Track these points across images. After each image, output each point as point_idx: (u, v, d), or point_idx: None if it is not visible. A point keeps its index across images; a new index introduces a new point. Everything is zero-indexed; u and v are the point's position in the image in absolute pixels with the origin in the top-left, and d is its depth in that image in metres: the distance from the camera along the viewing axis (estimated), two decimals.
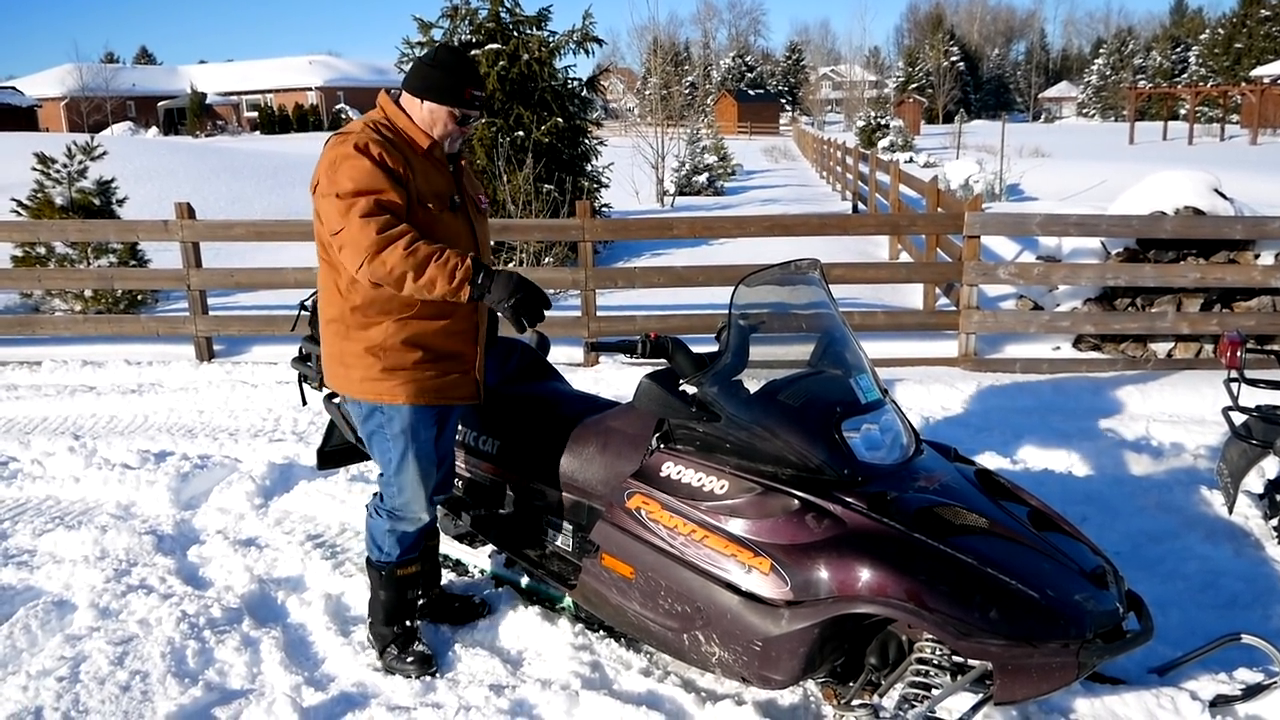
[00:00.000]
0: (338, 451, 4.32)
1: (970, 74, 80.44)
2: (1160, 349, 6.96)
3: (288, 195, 17.07)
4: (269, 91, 63.77)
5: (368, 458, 4.18)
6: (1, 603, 3.74)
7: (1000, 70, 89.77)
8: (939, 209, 8.56)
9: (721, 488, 2.85)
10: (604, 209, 13.25)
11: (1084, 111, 74.90)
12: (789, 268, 3.16)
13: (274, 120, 57.87)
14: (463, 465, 3.74)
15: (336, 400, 4.18)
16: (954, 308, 7.41)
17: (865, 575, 2.51)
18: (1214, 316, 6.73)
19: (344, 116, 59.49)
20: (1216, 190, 6.92)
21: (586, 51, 12.23)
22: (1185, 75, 59.41)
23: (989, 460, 5.08)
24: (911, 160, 30.32)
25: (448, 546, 4.02)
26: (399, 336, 2.98)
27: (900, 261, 9.01)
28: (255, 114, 60.95)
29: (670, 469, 2.97)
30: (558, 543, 3.47)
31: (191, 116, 55.62)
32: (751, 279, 3.01)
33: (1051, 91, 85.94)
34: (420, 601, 3.47)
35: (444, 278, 2.77)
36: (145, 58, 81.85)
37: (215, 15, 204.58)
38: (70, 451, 5.24)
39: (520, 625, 3.49)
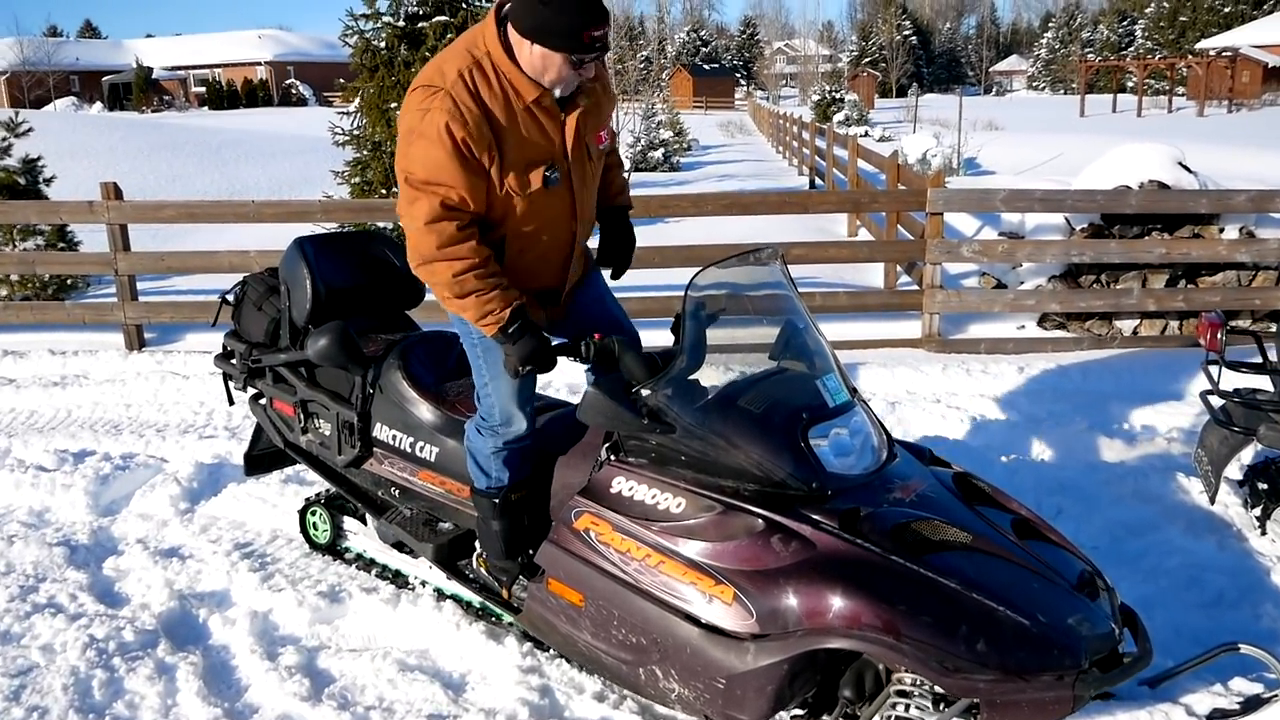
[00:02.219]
0: (265, 455, 4.02)
1: (923, 48, 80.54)
2: (1125, 326, 6.81)
3: (230, 173, 16.49)
4: (217, 66, 62.00)
5: (295, 462, 3.88)
6: None
7: (952, 44, 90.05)
8: (899, 185, 8.35)
9: (678, 506, 2.59)
10: None
11: (1034, 85, 75.38)
12: (748, 258, 2.89)
13: (222, 96, 56.28)
14: (398, 472, 3.44)
15: (262, 401, 3.86)
16: (916, 287, 7.21)
17: (838, 604, 2.27)
18: (1180, 293, 6.60)
19: (294, 92, 58.13)
20: (1180, 164, 6.77)
21: None
22: (1132, 48, 59.84)
23: (957, 449, 4.88)
24: (867, 134, 30.17)
25: (386, 556, 3.73)
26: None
27: (862, 240, 8.80)
28: (203, 89, 59.22)
29: (621, 485, 2.70)
30: None
31: (137, 92, 53.91)
32: (707, 271, 2.74)
33: (1002, 65, 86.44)
34: None
35: (475, 312, 2.60)
36: (90, 31, 79.11)
37: None
38: None
39: (463, 646, 3.22)
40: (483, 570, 3.15)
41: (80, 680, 3.05)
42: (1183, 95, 42.72)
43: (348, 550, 3.92)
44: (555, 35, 2.45)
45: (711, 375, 2.81)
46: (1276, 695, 2.72)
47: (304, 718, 2.92)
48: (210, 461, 4.80)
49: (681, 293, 2.74)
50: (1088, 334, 6.77)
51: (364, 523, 3.76)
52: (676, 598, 2.48)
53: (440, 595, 3.53)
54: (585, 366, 2.97)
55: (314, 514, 3.98)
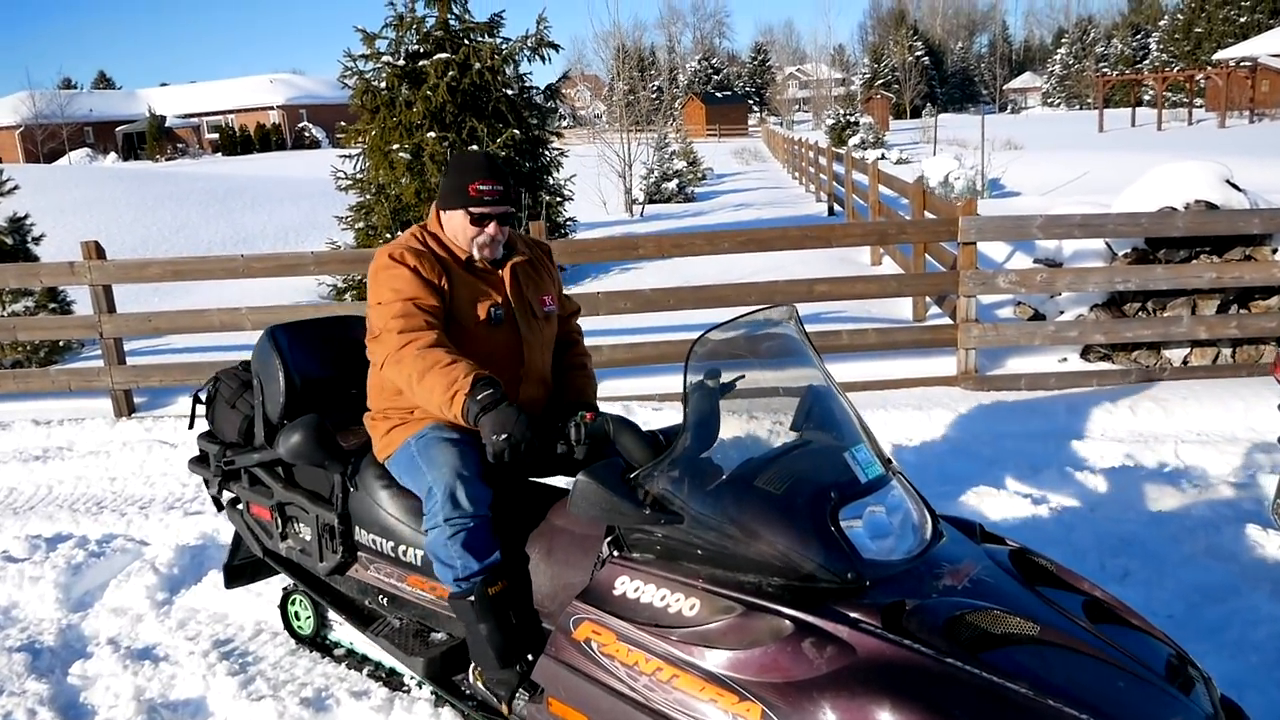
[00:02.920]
0: (246, 565, 3.67)
1: (935, 68, 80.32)
2: (1175, 356, 6.36)
3: (236, 221, 16.32)
4: (230, 112, 62.60)
5: (276, 572, 3.53)
6: None
7: (964, 63, 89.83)
8: (926, 212, 7.95)
9: (691, 609, 2.19)
10: (568, 223, 12.57)
11: (1049, 101, 75.03)
12: (758, 318, 2.51)
13: (235, 141, 56.75)
14: (385, 577, 3.06)
15: (240, 507, 3.52)
16: (947, 320, 6.81)
17: (883, 718, 1.86)
18: (1233, 319, 6.15)
19: (307, 135, 58.54)
20: (1229, 181, 6.34)
21: (543, 58, 11.57)
22: (1146, 61, 59.43)
23: (1004, 500, 4.46)
24: (884, 157, 29.81)
25: (377, 651, 3.34)
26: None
27: (890, 274, 8.39)
28: (216, 135, 59.80)
29: (625, 586, 2.30)
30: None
31: (150, 140, 54.46)
32: (710, 334, 2.36)
33: (1016, 82, 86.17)
34: None
35: (441, 388, 2.56)
36: (104, 82, 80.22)
37: (176, 37, 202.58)
38: None
39: None
40: (479, 684, 2.76)
41: None
42: (1201, 107, 42.17)
43: (334, 644, 3.54)
44: (450, 196, 2.82)
45: (723, 453, 2.42)
46: None
47: None
48: (194, 543, 4.43)
49: (701, 330, 2.39)
50: (1135, 365, 6.32)
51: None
52: (694, 718, 2.07)
53: (438, 700, 3.14)
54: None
55: (294, 602, 3.61)
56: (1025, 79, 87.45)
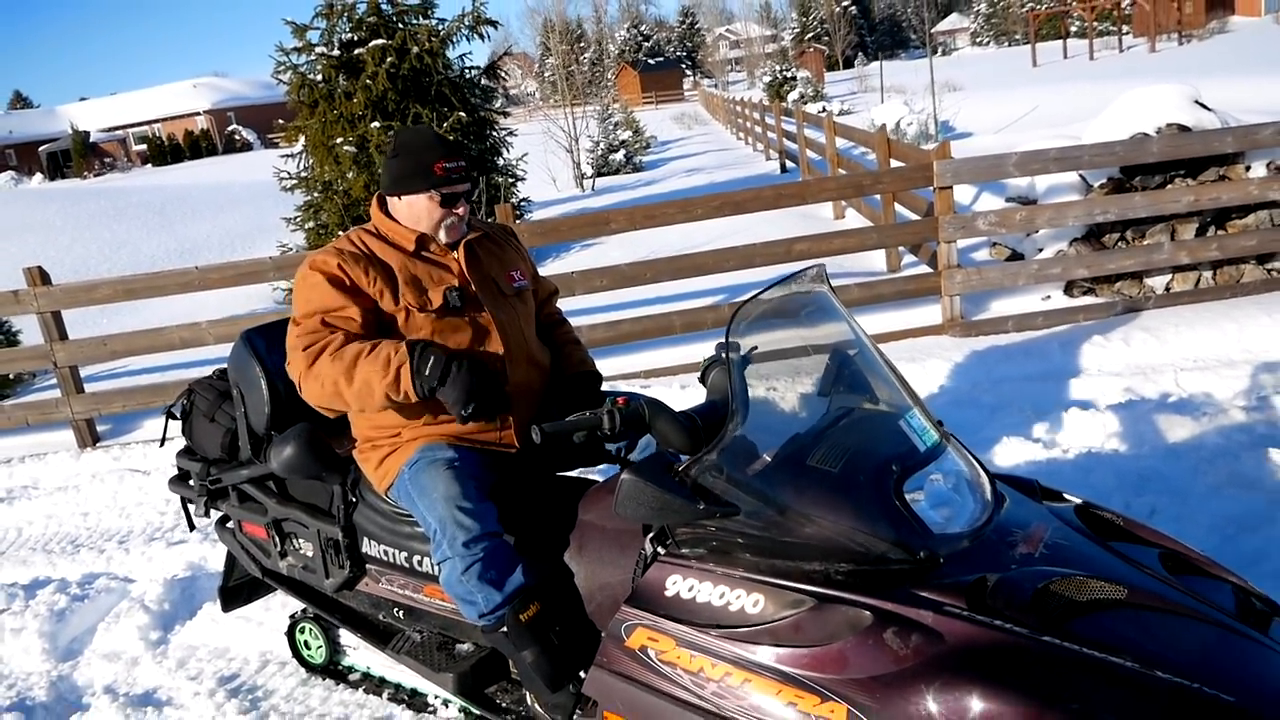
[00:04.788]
0: (242, 585, 3.45)
1: (863, 17, 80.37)
2: (1158, 283, 6.32)
3: (179, 232, 15.78)
4: (156, 121, 60.83)
5: (273, 590, 3.32)
6: None
7: (892, 9, 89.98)
8: (893, 160, 7.82)
9: (755, 605, 2.03)
10: (523, 203, 12.31)
11: (978, 40, 75.35)
12: (789, 284, 2.34)
13: (165, 151, 55.21)
14: (399, 589, 2.86)
15: (230, 525, 3.29)
16: (927, 269, 6.70)
17: (984, 709, 1.72)
18: (1213, 241, 6.10)
19: (238, 138, 57.14)
20: (1198, 102, 6.27)
21: (481, 36, 11.25)
22: None
23: (1016, 447, 4.36)
24: (825, 110, 29.76)
25: (397, 672, 3.17)
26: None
27: (869, 226, 8.25)
28: (144, 146, 58.09)
29: (679, 586, 2.13)
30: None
31: (76, 158, 52.74)
32: (744, 312, 2.19)
33: (943, 24, 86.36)
34: None
35: (377, 376, 2.40)
36: (20, 102, 77.71)
37: (91, 50, 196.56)
38: None
39: None
40: (536, 708, 2.58)
41: None
42: (1129, 34, 42.55)
43: (350, 669, 3.35)
44: (409, 179, 2.59)
45: (764, 432, 2.26)
46: None
47: None
48: (182, 575, 4.19)
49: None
50: (1120, 296, 6.27)
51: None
52: None
53: (469, 715, 2.96)
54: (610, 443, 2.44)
55: (304, 631, 3.40)
56: (952, 20, 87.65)
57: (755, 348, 2.32)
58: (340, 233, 9.82)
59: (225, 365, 3.20)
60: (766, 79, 37.76)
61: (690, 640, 2.07)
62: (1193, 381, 4.98)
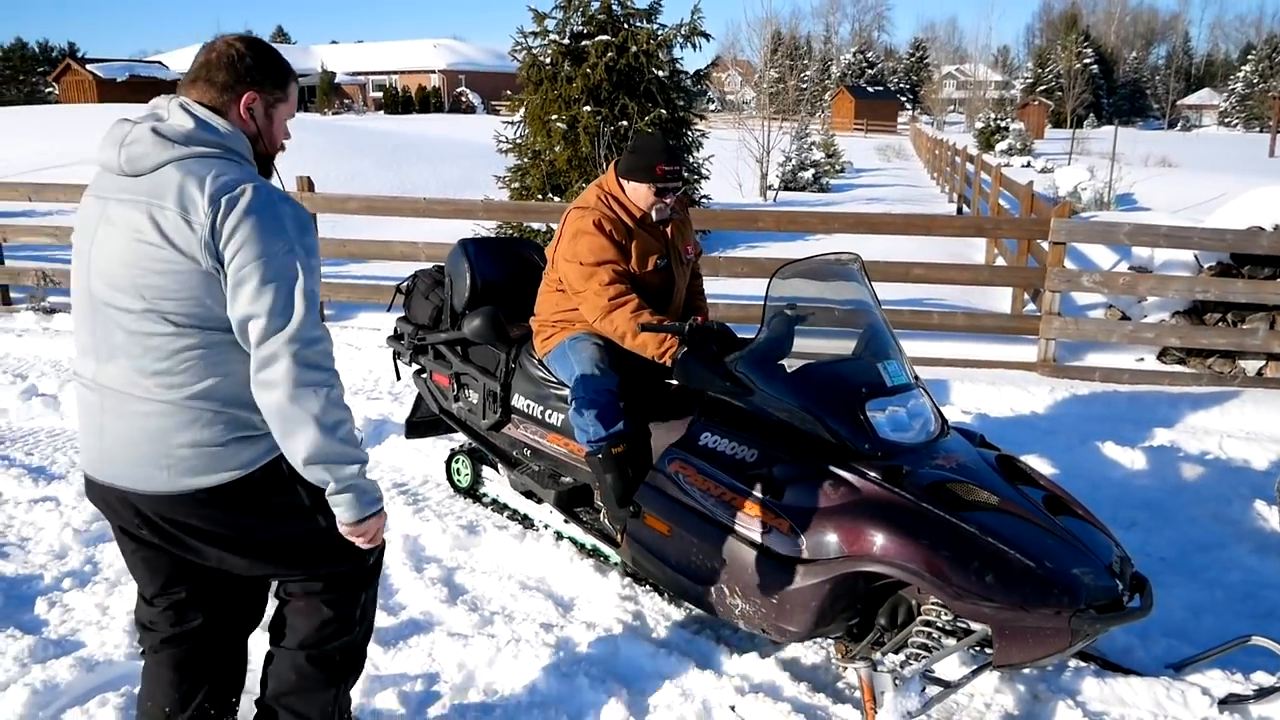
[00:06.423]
0: (424, 422, 4.72)
1: (1104, 77, 77.21)
2: (1250, 366, 6.84)
3: (403, 173, 17.84)
4: (394, 73, 65.65)
5: (452, 430, 4.58)
6: None
7: (1137, 74, 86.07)
8: (1032, 214, 8.53)
9: (751, 456, 3.11)
10: (703, 200, 13.50)
11: (1226, 121, 71.42)
12: (828, 260, 3.38)
13: (397, 101, 59.66)
14: (530, 435, 4.07)
15: (424, 375, 4.58)
16: (1033, 312, 7.43)
17: (873, 538, 2.74)
18: None
19: (464, 100, 61.02)
20: None
21: (694, 45, 12.48)
22: None
23: (1045, 460, 5.16)
24: (1029, 165, 29.59)
25: (516, 502, 4.37)
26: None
27: (982, 265, 9.01)
28: (380, 94, 62.91)
29: (707, 439, 3.24)
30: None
31: (321, 95, 57.79)
32: (787, 269, 3.25)
33: (1192, 99, 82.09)
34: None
35: (653, 344, 3.46)
36: (281, 37, 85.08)
37: None
38: None
39: (574, 575, 3.81)
40: (603, 519, 3.75)
41: None
42: None
43: (484, 495, 4.59)
44: (637, 171, 3.61)
45: (791, 360, 3.32)
46: None
47: (441, 616, 3.57)
48: (375, 418, 5.59)
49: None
50: (1208, 370, 6.84)
51: (499, 472, 4.41)
52: (744, 529, 3.00)
53: (559, 536, 4.14)
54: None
55: (458, 461, 4.67)
56: (1203, 95, 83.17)
57: (804, 303, 3.39)
58: (539, 196, 11.26)
59: (440, 260, 4.50)
60: (979, 125, 37.64)
61: (706, 471, 3.18)
62: (1235, 447, 5.59)
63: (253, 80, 2.17)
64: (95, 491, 2.23)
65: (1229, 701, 3.02)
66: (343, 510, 2.12)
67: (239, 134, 2.14)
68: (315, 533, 2.27)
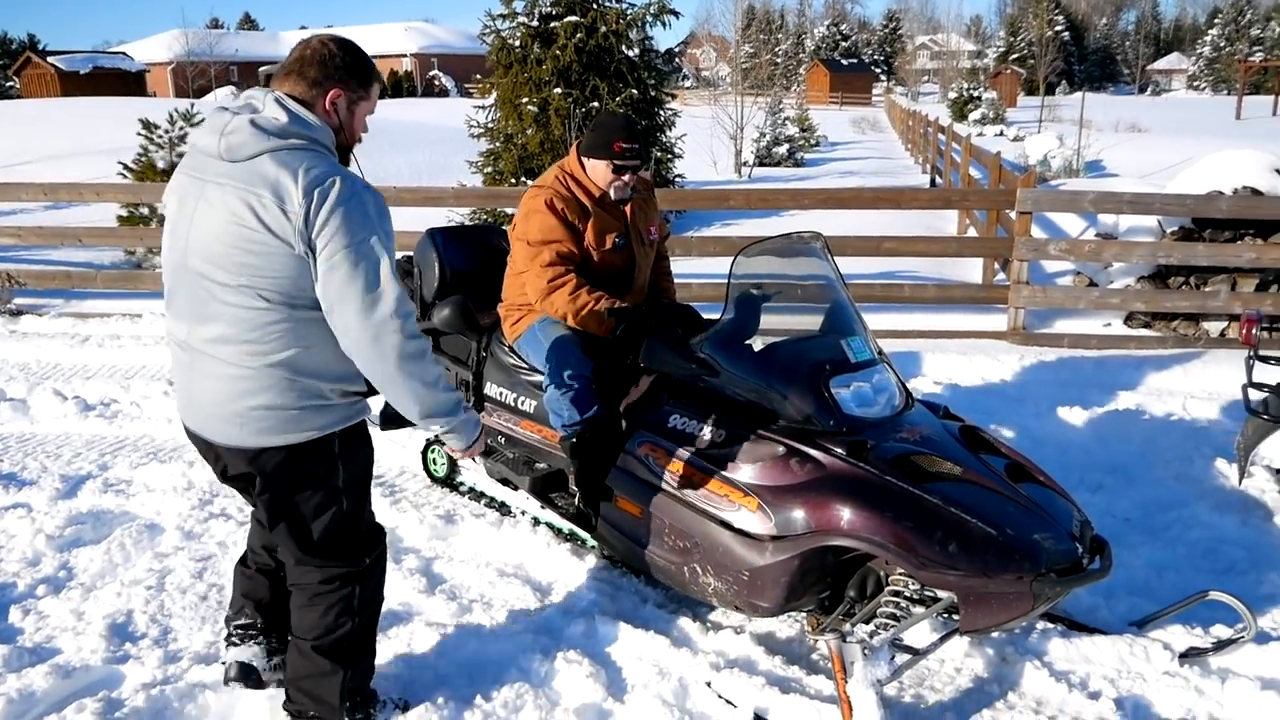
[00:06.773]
0: (398, 414, 4.74)
1: (1075, 44, 77.49)
2: (1214, 328, 6.96)
3: (375, 160, 17.62)
4: None
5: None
6: (102, 524, 4.21)
7: (1108, 40, 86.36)
8: (1000, 184, 8.61)
9: (719, 436, 3.17)
10: (677, 179, 13.51)
11: (1195, 85, 71.86)
12: (791, 239, 3.42)
13: None
14: (504, 423, 4.11)
15: None
16: (1002, 281, 7.51)
17: (840, 513, 2.80)
18: (1268, 296, 6.71)
19: (437, 83, 60.55)
20: (1277, 170, 6.86)
21: (664, 24, 12.46)
22: None
23: (1014, 427, 5.25)
24: (1001, 134, 29.71)
25: (493, 489, 4.42)
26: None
27: (951, 236, 9.10)
28: None
29: (676, 420, 3.29)
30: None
31: None
32: (750, 249, 3.30)
33: (1161, 63, 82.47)
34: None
35: (594, 321, 3.55)
36: (249, 24, 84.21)
37: None
38: (164, 395, 5.79)
39: (552, 560, 3.86)
40: (578, 503, 3.79)
41: None
42: None
43: (461, 484, 4.63)
44: (596, 148, 3.61)
45: (755, 336, 3.38)
46: (1242, 636, 3.11)
47: (421, 606, 3.61)
48: None
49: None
50: (1173, 333, 6.95)
51: (475, 461, 4.45)
52: (713, 508, 3.06)
53: (536, 522, 4.19)
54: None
55: (433, 452, 4.71)
56: (1171, 60, 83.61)
57: (766, 283, 3.45)
58: (513, 181, 11.25)
59: (410, 254, 4.51)
60: (952, 95, 37.72)
61: (675, 453, 3.23)
62: (1199, 408, 5.69)
63: (340, 78, 2.40)
64: (190, 436, 2.57)
65: (1189, 655, 3.13)
66: (453, 441, 2.64)
67: (325, 127, 2.36)
68: (336, 517, 2.60)
